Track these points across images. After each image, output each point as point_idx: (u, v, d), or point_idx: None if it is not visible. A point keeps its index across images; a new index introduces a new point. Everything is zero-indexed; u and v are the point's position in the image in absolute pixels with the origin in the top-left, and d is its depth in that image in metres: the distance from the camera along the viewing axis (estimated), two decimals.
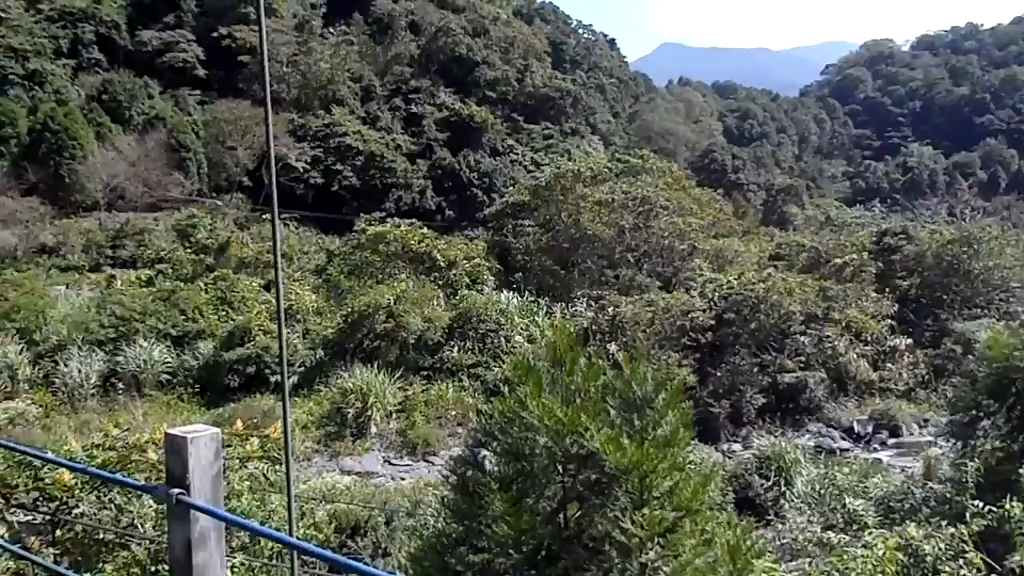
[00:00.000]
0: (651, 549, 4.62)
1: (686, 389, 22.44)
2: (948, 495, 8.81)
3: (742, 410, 33.08)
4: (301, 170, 72.29)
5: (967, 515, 7.35)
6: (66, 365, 30.47)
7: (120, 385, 30.42)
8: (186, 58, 77.18)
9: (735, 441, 32.12)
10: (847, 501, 9.75)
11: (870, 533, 7.53)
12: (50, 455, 8.65)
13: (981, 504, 7.43)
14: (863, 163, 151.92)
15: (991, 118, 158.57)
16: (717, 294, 36.67)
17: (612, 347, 29.99)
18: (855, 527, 9.16)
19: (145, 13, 78.85)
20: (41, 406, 28.23)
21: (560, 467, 5.04)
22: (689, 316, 34.53)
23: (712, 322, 34.93)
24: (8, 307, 34.14)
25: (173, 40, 77.74)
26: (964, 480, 8.29)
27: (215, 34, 78.03)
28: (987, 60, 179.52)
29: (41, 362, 31.54)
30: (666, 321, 34.51)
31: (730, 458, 28.61)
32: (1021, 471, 7.72)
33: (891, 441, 34.63)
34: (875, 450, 32.92)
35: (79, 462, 8.86)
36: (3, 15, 69.02)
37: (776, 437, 28.34)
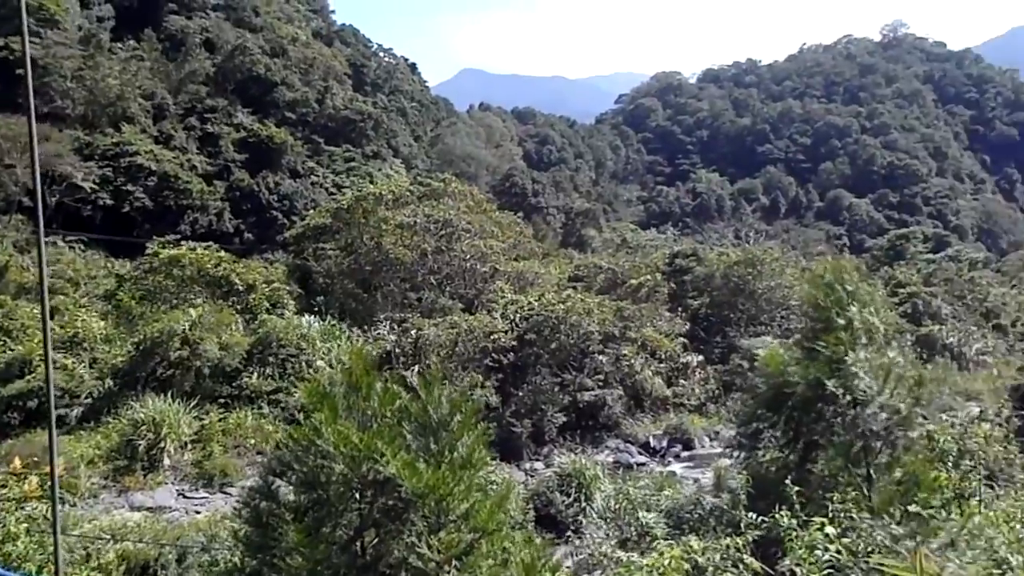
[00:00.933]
0: (448, 572, 4.63)
1: (489, 410, 22.67)
2: (725, 507, 9.29)
3: (544, 429, 33.72)
4: (88, 190, 68.48)
5: (742, 525, 7.80)
6: None
7: None
8: None
9: (537, 460, 32.69)
10: (640, 515, 10.11)
11: (659, 545, 7.85)
12: None
13: (755, 515, 7.90)
14: (656, 188, 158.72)
15: (771, 147, 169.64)
16: (519, 315, 37.27)
17: (415, 370, 29.97)
18: (648, 539, 9.52)
19: None
20: None
21: (357, 494, 4.98)
22: (491, 337, 34.93)
23: (514, 343, 35.48)
24: None
25: None
26: (739, 492, 8.78)
27: None
28: (765, 94, 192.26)
29: None
30: (469, 343, 34.78)
31: (532, 476, 29.08)
32: (787, 481, 8.23)
33: (684, 454, 36.21)
34: (669, 463, 34.32)
35: None
36: None
37: (577, 454, 29.05)
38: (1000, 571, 6.41)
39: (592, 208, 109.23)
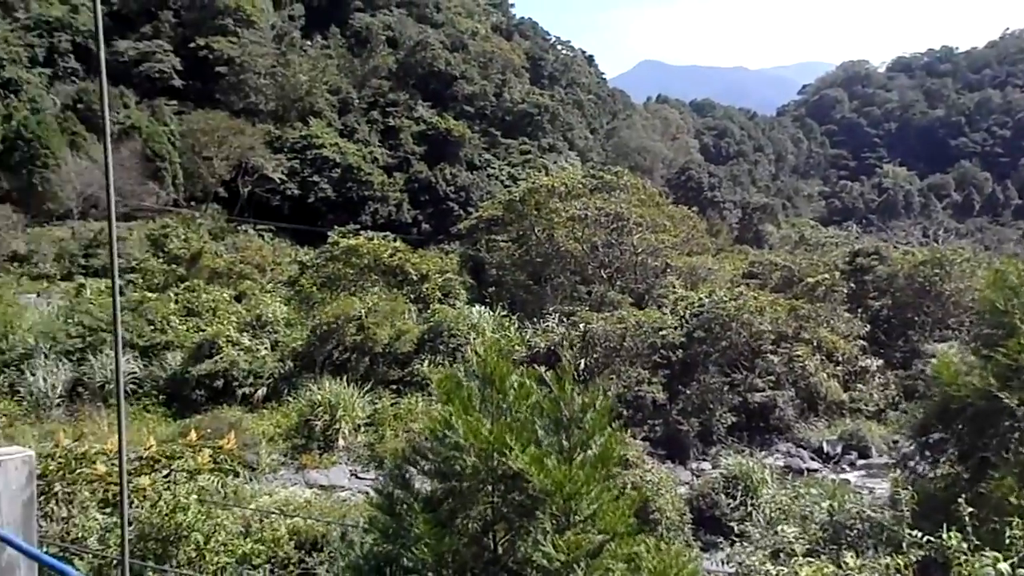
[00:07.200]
0: (573, 574, 4.51)
1: (655, 407, 22.21)
2: (886, 523, 8.70)
3: (712, 428, 32.96)
4: (278, 181, 72.20)
5: (904, 544, 7.22)
6: (32, 374, 30.05)
7: (86, 395, 29.94)
8: (163, 68, 76.82)
9: (704, 460, 32.00)
10: (779, 528, 9.63)
11: (798, 561, 7.43)
12: None
13: (920, 533, 7.28)
14: (839, 183, 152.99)
15: (965, 140, 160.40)
16: (688, 311, 36.55)
17: (581, 364, 29.93)
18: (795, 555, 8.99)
19: (122, 23, 78.38)
20: (5, 415, 27.83)
21: (489, 487, 4.92)
22: (660, 333, 34.40)
23: (683, 340, 34.81)
24: None
25: (150, 50, 77.40)
26: (901, 508, 8.16)
27: (192, 45, 77.89)
28: (962, 83, 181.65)
29: (7, 371, 31.15)
30: (637, 338, 34.35)
31: (698, 477, 28.52)
32: (960, 500, 7.57)
33: (860, 462, 34.64)
34: (843, 471, 32.93)
35: None
36: None
37: (745, 456, 28.27)
38: None
39: (770, 203, 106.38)
